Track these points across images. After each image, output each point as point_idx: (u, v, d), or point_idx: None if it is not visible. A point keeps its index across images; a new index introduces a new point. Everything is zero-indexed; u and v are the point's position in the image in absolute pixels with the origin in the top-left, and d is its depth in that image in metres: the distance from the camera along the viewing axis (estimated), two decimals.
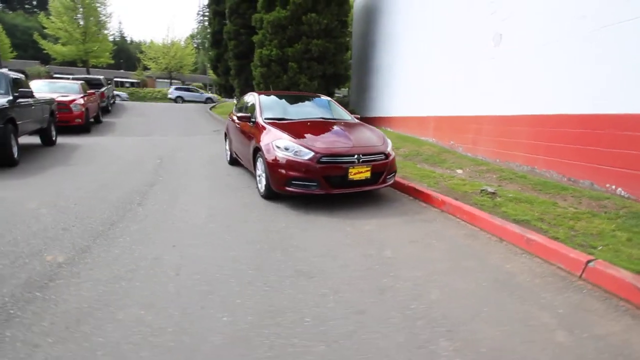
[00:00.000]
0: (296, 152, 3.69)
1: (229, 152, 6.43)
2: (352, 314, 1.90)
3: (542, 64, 4.80)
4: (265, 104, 4.90)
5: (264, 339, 1.67)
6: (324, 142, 3.78)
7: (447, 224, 3.38)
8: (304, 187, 3.67)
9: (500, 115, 5.62)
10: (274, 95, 5.26)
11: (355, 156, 3.70)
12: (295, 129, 4.13)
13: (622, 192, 3.69)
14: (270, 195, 4.06)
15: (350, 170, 3.67)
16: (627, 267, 2.24)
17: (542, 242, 2.59)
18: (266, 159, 3.90)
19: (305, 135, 3.90)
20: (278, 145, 3.83)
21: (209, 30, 20.93)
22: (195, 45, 49.54)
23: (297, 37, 12.38)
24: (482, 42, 6.12)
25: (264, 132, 4.24)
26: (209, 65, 40.57)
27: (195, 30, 72.56)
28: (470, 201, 3.85)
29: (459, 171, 5.67)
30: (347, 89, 17.98)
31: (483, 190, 4.29)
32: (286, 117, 4.68)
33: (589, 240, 2.79)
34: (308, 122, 4.62)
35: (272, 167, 3.83)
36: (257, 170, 4.36)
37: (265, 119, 4.57)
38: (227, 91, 18.82)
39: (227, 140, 6.47)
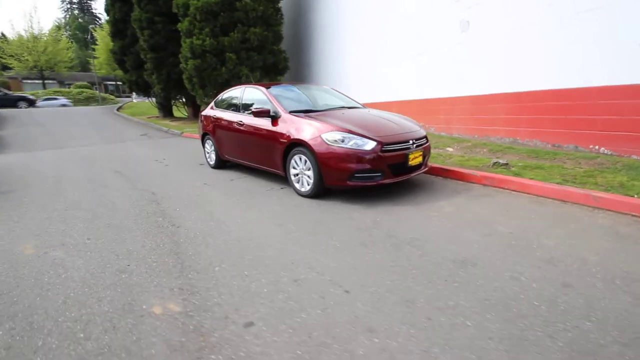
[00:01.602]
0: (356, 142, 3.48)
1: (213, 155, 5.71)
2: (560, 285, 1.93)
3: (515, 47, 5.48)
4: (279, 97, 4.46)
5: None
6: (376, 130, 3.65)
7: (506, 196, 3.62)
8: (368, 178, 3.51)
9: (475, 95, 6.24)
10: (275, 87, 4.83)
11: (411, 142, 3.68)
12: (333, 119, 3.88)
13: (605, 150, 4.54)
14: (319, 192, 3.77)
15: (409, 156, 3.64)
16: None
17: (608, 198, 3.03)
18: (318, 153, 3.58)
19: (350, 125, 3.70)
20: (332, 137, 3.54)
21: (106, 19, 17.79)
22: (68, 39, 41.61)
23: (231, 24, 11.52)
24: (448, 29, 6.65)
25: (299, 125, 3.87)
26: (93, 61, 34.64)
27: (63, 21, 61.05)
28: (492, 172, 4.24)
29: (450, 149, 6.14)
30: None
31: (495, 162, 4.74)
32: (310, 109, 4.35)
33: (620, 190, 3.37)
34: (337, 111, 4.38)
35: (329, 161, 3.54)
36: (293, 169, 3.98)
37: (291, 111, 4.18)
38: (140, 88, 16.43)
39: (210, 142, 5.72)
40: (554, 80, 4.99)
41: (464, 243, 2.55)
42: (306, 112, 4.18)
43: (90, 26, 40.83)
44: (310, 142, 3.63)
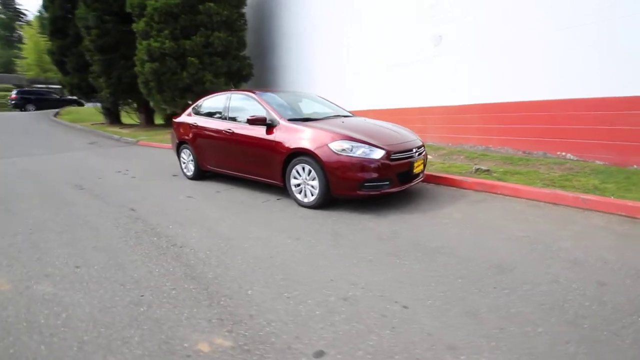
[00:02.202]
0: (364, 151, 3.44)
1: (191, 165, 5.32)
2: (597, 285, 2.03)
3: (486, 61, 5.90)
4: (273, 104, 4.27)
5: None
6: (381, 138, 3.64)
7: (501, 200, 3.79)
8: (377, 187, 3.47)
9: (449, 106, 6.59)
10: (262, 93, 4.63)
11: (414, 150, 3.74)
12: (335, 127, 3.81)
13: (571, 156, 5.02)
14: (324, 203, 3.66)
15: (414, 164, 3.69)
16: None
17: (595, 200, 3.33)
18: (326, 163, 3.47)
19: (355, 133, 3.65)
20: (340, 146, 3.45)
21: (37, 15, 15.93)
22: None
23: (193, 28, 11.01)
24: (422, 42, 6.97)
25: (301, 134, 3.73)
26: (20, 61, 30.80)
27: None
28: (480, 178, 4.48)
29: (429, 157, 6.39)
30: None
31: (478, 169, 5.01)
32: (308, 117, 4.23)
33: (596, 192, 3.73)
34: (335, 119, 4.30)
35: (337, 171, 3.44)
36: (294, 180, 3.82)
37: (289, 119, 4.02)
38: (84, 93, 14.91)
39: (188, 151, 5.32)
40: (523, 92, 5.45)
41: (489, 249, 2.61)
42: (304, 120, 4.06)
43: (17, 23, 36.38)
44: (317, 152, 3.51)
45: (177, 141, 5.55)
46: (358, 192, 3.44)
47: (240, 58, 12.32)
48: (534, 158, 5.32)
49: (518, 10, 5.40)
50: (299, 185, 3.82)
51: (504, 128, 5.78)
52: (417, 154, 3.75)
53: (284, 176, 3.95)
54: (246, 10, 12.64)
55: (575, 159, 4.95)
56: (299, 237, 2.96)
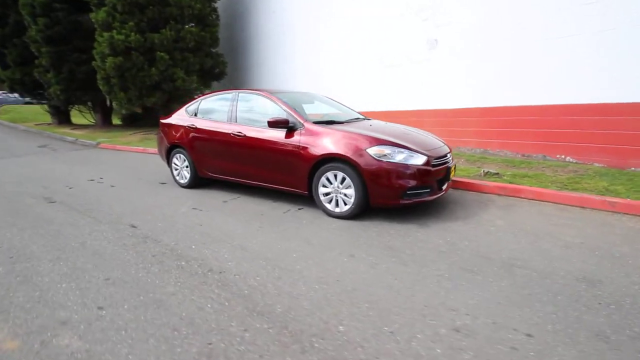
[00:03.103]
0: (406, 157, 3.21)
1: (186, 172, 4.76)
2: None
3: (485, 65, 6.00)
4: (293, 105, 3.90)
5: None
6: (418, 144, 3.44)
7: (529, 205, 3.76)
8: (419, 195, 3.26)
9: (445, 109, 6.63)
10: (282, 92, 4.23)
11: (448, 155, 3.59)
12: (367, 131, 3.54)
13: (571, 159, 5.24)
14: (359, 213, 3.38)
15: (450, 170, 3.54)
16: None
17: (623, 203, 3.43)
18: (365, 170, 3.19)
19: (392, 138, 3.42)
20: (380, 152, 3.19)
21: None
22: None
23: (162, 20, 10.15)
24: (416, 45, 6.95)
25: (332, 138, 3.41)
26: None
27: None
28: (485, 181, 4.49)
29: None
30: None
31: (487, 172, 5.04)
32: (333, 119, 3.91)
33: (610, 194, 3.87)
34: (361, 122, 4.05)
35: (379, 179, 3.18)
36: (323, 188, 3.49)
37: (315, 122, 3.68)
38: (27, 89, 13.11)
39: (183, 156, 4.75)
40: (522, 96, 5.60)
41: (559, 259, 2.51)
42: (328, 123, 3.76)
43: None
44: (355, 158, 3.23)
45: (168, 145, 4.93)
46: (400, 201, 3.21)
47: (214, 55, 11.62)
48: (534, 161, 5.49)
49: (517, 18, 5.55)
50: (328, 194, 3.50)
51: (503, 131, 5.91)
52: (450, 159, 3.62)
53: (310, 184, 3.61)
54: (217, 4, 11.95)
55: (574, 161, 5.18)
56: (353, 254, 2.65)
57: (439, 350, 1.61)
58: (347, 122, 3.95)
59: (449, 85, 6.54)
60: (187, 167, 4.80)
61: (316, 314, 1.90)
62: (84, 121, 14.10)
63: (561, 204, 3.78)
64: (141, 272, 2.43)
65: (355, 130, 3.48)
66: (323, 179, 3.49)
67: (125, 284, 2.26)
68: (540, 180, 4.51)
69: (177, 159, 4.90)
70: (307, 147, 3.53)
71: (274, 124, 3.63)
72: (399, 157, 3.20)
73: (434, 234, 3.03)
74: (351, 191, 3.33)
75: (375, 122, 4.11)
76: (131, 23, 9.64)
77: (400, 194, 3.20)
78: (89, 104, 13.26)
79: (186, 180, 4.85)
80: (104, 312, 1.95)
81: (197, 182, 4.81)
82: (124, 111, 14.58)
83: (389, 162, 3.18)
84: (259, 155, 3.92)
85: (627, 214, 3.41)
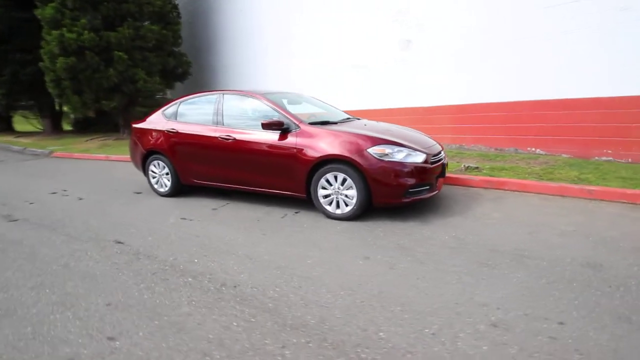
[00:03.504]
0: (407, 155, 3.22)
1: (167, 180, 4.47)
2: None
3: (459, 65, 6.24)
4: (285, 106, 3.78)
5: None
6: (415, 142, 3.46)
7: (516, 196, 3.95)
8: (419, 193, 3.29)
9: (419, 107, 6.82)
10: (271, 93, 4.08)
11: (442, 153, 3.67)
12: (364, 130, 3.51)
13: (540, 151, 5.60)
14: (361, 214, 3.35)
15: (445, 167, 3.62)
16: None
17: (600, 190, 3.72)
18: (367, 170, 3.16)
19: (390, 137, 3.42)
20: (380, 151, 3.18)
21: None
22: None
23: (118, 18, 9.49)
24: (390, 45, 7.08)
25: (330, 139, 3.34)
26: None
27: None
28: (470, 176, 4.70)
29: None
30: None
31: (468, 167, 5.25)
32: (327, 120, 3.84)
33: (581, 183, 4.19)
34: (354, 122, 4.03)
35: (382, 178, 3.16)
36: (322, 190, 3.41)
37: (310, 123, 3.59)
38: None
39: (162, 163, 4.44)
40: (494, 94, 5.90)
41: (561, 247, 2.64)
42: (323, 124, 3.69)
43: None
44: (356, 158, 3.19)
45: (144, 151, 4.58)
46: (403, 199, 3.23)
47: (177, 54, 11.07)
48: (507, 154, 5.81)
49: (489, 19, 5.83)
50: (327, 196, 3.44)
51: (477, 127, 6.20)
52: (444, 156, 3.70)
53: (308, 187, 3.52)
54: (178, 1, 11.37)
55: (544, 153, 5.55)
56: (368, 256, 2.62)
57: (485, 348, 1.62)
58: (341, 122, 3.90)
59: (423, 84, 6.73)
60: (167, 174, 4.49)
61: (352, 322, 1.84)
62: (29, 128, 12.82)
63: (543, 193, 4.02)
64: (145, 293, 2.21)
65: (353, 131, 3.44)
66: (322, 181, 3.41)
67: (131, 308, 2.04)
68: (517, 172, 4.78)
69: (155, 166, 4.56)
70: (304, 149, 3.43)
71: (268, 126, 3.49)
72: (400, 155, 3.22)
73: (438, 230, 3.08)
74: (353, 192, 3.29)
75: (368, 122, 4.11)
76: (83, 20, 8.88)
77: (402, 192, 3.21)
78: (36, 109, 12.05)
79: (166, 189, 4.54)
80: (117, 342, 1.74)
81: (179, 190, 4.53)
82: (72, 116, 13.43)
83: (391, 161, 3.18)
84: (251, 159, 3.75)
85: (604, 200, 3.70)
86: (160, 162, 4.49)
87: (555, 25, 5.21)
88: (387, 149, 3.21)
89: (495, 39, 5.78)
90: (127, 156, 8.16)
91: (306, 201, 3.74)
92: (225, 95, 4.09)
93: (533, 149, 5.67)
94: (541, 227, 3.05)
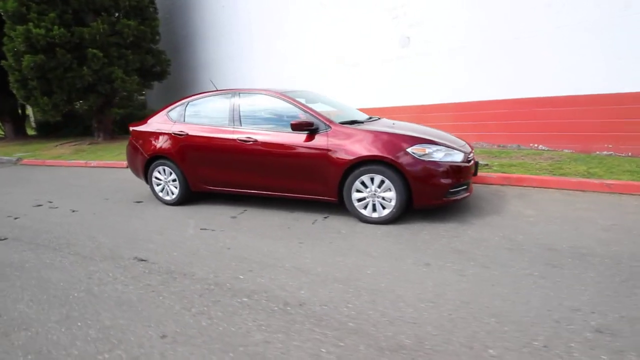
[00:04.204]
0: (446, 155, 3.12)
1: (175, 187, 4.12)
2: None
3: (459, 63, 6.27)
4: (311, 105, 3.56)
5: None
6: (448, 141, 3.38)
7: (538, 192, 3.98)
8: (458, 193, 3.20)
9: (420, 105, 6.82)
10: (292, 91, 3.84)
11: (472, 152, 3.61)
12: (399, 130, 3.37)
13: (543, 147, 5.75)
14: (398, 216, 3.20)
15: (477, 166, 3.56)
16: None
17: (618, 184, 3.82)
18: (409, 171, 3.02)
19: (427, 136, 3.31)
20: (420, 151, 3.05)
21: None
22: None
23: (92, 12, 8.80)
24: (388, 43, 7.01)
25: (365, 139, 3.17)
26: None
27: None
28: (488, 173, 4.73)
29: None
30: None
31: (477, 163, 5.29)
32: (354, 119, 3.66)
33: (591, 177, 4.32)
34: (382, 121, 3.90)
35: (424, 178, 3.03)
36: (357, 193, 3.23)
37: (341, 123, 3.40)
38: None
39: (168, 169, 4.09)
40: (495, 91, 5.99)
41: (612, 243, 2.63)
42: (352, 124, 3.51)
43: None
44: (397, 159, 3.04)
45: (147, 156, 4.18)
46: (445, 199, 3.13)
47: (155, 52, 10.44)
48: (511, 151, 5.91)
49: (489, 17, 5.90)
50: (362, 199, 3.27)
51: (479, 124, 6.27)
52: (473, 155, 3.65)
53: (341, 190, 3.33)
54: None
55: (547, 149, 5.70)
56: (428, 263, 2.48)
57: (604, 357, 1.53)
58: (367, 121, 3.75)
59: (424, 82, 6.73)
60: (174, 180, 4.13)
61: (452, 340, 1.68)
62: None
63: (564, 189, 4.09)
64: (202, 319, 1.94)
65: (389, 130, 3.30)
66: (357, 184, 3.24)
67: (194, 340, 1.76)
68: (527, 168, 4.85)
69: (159, 172, 4.18)
70: (337, 150, 3.24)
71: (298, 127, 3.26)
72: (439, 155, 3.11)
73: (483, 230, 3.00)
74: (391, 194, 3.15)
75: (395, 122, 3.98)
76: (52, 14, 8.12)
77: (444, 193, 3.11)
78: None
79: (174, 197, 4.17)
80: None
81: (188, 197, 4.18)
82: (32, 120, 12.31)
83: (432, 161, 3.07)
84: (277, 163, 3.51)
85: (623, 193, 3.80)
86: (166, 168, 4.12)
87: (554, 22, 5.34)
88: (427, 149, 3.09)
89: (497, 36, 5.86)
90: (110, 162, 7.57)
91: (334, 205, 3.56)
92: (241, 95, 3.80)
93: (536, 145, 5.81)
94: (582, 223, 3.06)
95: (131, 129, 4.45)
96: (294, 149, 3.41)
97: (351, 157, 3.18)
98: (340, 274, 2.38)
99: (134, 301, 2.16)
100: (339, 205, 3.47)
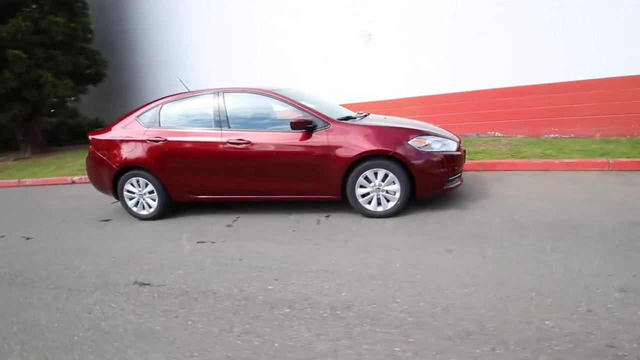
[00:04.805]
0: (443, 145, 3.23)
1: (153, 200, 3.75)
2: None
3: (420, 57, 6.60)
4: (304, 102, 3.44)
5: None
6: (438, 131, 3.53)
7: (511, 175, 4.35)
8: (453, 181, 3.35)
9: (387, 100, 7.04)
10: (282, 89, 3.68)
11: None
12: (394, 123, 3.43)
13: (499, 134, 6.28)
14: (403, 208, 3.26)
15: (465, 154, 3.76)
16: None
17: (575, 162, 4.33)
18: (412, 163, 3.08)
19: (421, 128, 3.41)
20: (419, 142, 3.13)
21: None
22: None
23: (8, 7, 7.61)
24: (351, 40, 7.11)
25: (365, 134, 3.18)
26: None
27: None
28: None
29: None
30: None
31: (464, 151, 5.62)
32: (349, 115, 3.63)
33: (546, 157, 4.85)
34: (372, 116, 3.90)
35: (427, 169, 3.12)
36: (361, 189, 3.22)
37: (338, 119, 3.34)
38: None
39: (145, 180, 3.69)
40: (454, 84, 6.42)
41: (590, 213, 2.94)
42: (347, 119, 3.49)
43: None
44: (400, 151, 3.08)
45: (116, 168, 3.71)
46: (445, 188, 3.26)
47: (89, 52, 9.35)
48: (472, 139, 6.38)
49: (450, 13, 6.29)
50: (366, 194, 3.27)
51: (441, 117, 6.64)
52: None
53: (344, 187, 3.30)
54: None
55: (502, 135, 6.26)
56: (450, 249, 2.53)
57: (639, 312, 1.72)
58: (359, 117, 3.75)
59: (387, 77, 6.96)
60: (151, 192, 3.73)
61: (511, 319, 1.74)
62: None
63: (532, 170, 4.52)
64: (251, 338, 1.76)
65: (385, 124, 3.34)
66: (361, 179, 3.23)
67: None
68: (490, 154, 5.29)
69: (132, 184, 3.75)
70: (338, 147, 3.19)
71: (297, 125, 3.15)
72: (437, 145, 3.23)
73: (482, 213, 3.18)
74: (394, 187, 3.19)
75: (387, 116, 4.05)
76: None
77: (444, 181, 3.24)
78: None
79: (152, 210, 3.78)
80: None
81: (168, 210, 3.82)
82: None
83: (431, 152, 3.17)
84: (274, 164, 3.35)
85: (580, 169, 4.32)
86: (140, 179, 3.71)
87: (511, 19, 5.87)
88: (427, 140, 3.19)
89: (459, 32, 6.27)
90: (50, 178, 6.62)
91: (330, 203, 3.54)
92: (225, 95, 3.55)
93: (493, 133, 6.35)
94: (561, 199, 3.40)
95: (91, 137, 3.92)
96: (293, 148, 3.28)
97: (355, 153, 3.16)
98: (372, 271, 2.35)
99: (159, 331, 1.90)
100: (342, 202, 3.43)
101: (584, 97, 5.50)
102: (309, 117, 3.23)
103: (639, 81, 5.14)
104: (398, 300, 2.00)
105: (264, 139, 3.34)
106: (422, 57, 6.59)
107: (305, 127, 3.20)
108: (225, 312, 2.03)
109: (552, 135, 5.86)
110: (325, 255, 2.65)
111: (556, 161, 4.46)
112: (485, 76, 6.14)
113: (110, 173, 3.76)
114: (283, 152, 3.32)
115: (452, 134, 3.73)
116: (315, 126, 3.25)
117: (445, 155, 3.22)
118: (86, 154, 4.10)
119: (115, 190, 3.84)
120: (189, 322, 1.96)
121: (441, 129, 3.80)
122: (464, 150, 3.72)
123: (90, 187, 4.31)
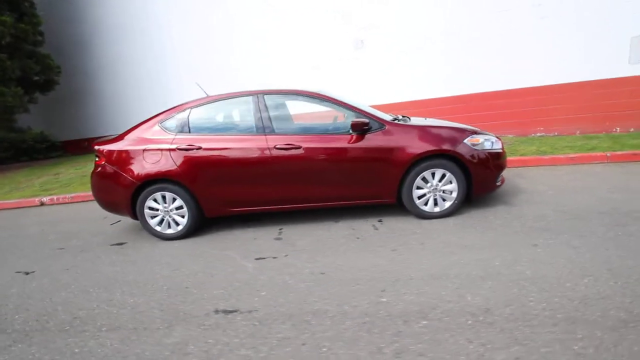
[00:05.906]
0: (492, 143, 3.28)
1: (181, 216, 3.35)
2: None
3: (416, 64, 6.80)
4: (353, 103, 3.30)
5: None
6: (476, 129, 3.61)
7: (527, 171, 4.57)
8: (500, 178, 3.44)
9: (376, 105, 7.12)
10: (320, 92, 3.46)
11: None
12: (442, 122, 3.46)
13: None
14: (458, 208, 3.25)
15: None
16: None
17: (577, 156, 4.71)
18: (470, 162, 3.09)
19: (467, 126, 3.46)
20: (473, 141, 3.15)
21: None
22: None
23: None
24: (343, 46, 7.11)
25: (422, 134, 3.13)
26: None
27: None
28: None
29: None
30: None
31: None
32: (396, 116, 3.55)
33: (541, 154, 5.25)
34: (413, 117, 3.87)
35: (483, 168, 3.16)
36: (418, 190, 3.15)
37: (393, 120, 3.25)
38: None
39: (172, 194, 3.28)
40: (447, 89, 6.71)
41: (623, 201, 3.20)
42: (394, 121, 3.42)
43: None
44: (459, 151, 3.08)
45: (137, 182, 3.22)
46: (497, 185, 3.33)
47: (40, 56, 8.24)
48: None
49: (443, 22, 6.57)
50: (422, 195, 3.21)
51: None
52: None
53: (400, 189, 3.20)
54: None
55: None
56: (535, 244, 2.54)
57: None
58: (403, 119, 3.70)
59: (378, 82, 7.07)
60: (179, 208, 3.30)
61: None
62: None
63: (541, 165, 4.83)
64: (407, 356, 1.58)
65: (438, 124, 3.34)
66: (418, 180, 3.17)
67: None
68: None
69: (156, 201, 3.29)
70: (396, 149, 3.10)
71: (357, 127, 3.00)
72: (488, 144, 3.28)
73: (531, 207, 3.28)
74: (452, 186, 3.18)
75: (424, 118, 4.06)
76: None
77: (495, 179, 3.31)
78: None
79: (180, 228, 3.34)
80: None
81: (198, 227, 3.42)
82: None
83: (484, 150, 3.22)
84: (327, 170, 3.15)
85: (584, 163, 4.71)
86: (167, 194, 3.26)
87: (502, 26, 6.30)
88: (480, 138, 3.24)
89: (453, 40, 6.58)
90: (14, 201, 5.60)
91: (374, 207, 3.46)
92: (266, 97, 3.27)
93: None
94: (589, 189, 3.66)
95: (100, 148, 3.37)
96: (348, 152, 3.12)
97: (416, 153, 3.09)
98: (477, 272, 2.27)
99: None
100: (388, 206, 3.34)
101: (565, 98, 6.07)
102: (364, 119, 3.10)
103: (611, 83, 5.81)
104: (531, 298, 1.94)
105: (314, 142, 3.14)
106: (414, 63, 6.81)
107: (363, 128, 3.06)
108: (357, 332, 1.81)
109: (538, 134, 6.37)
110: (413, 260, 2.53)
111: (561, 156, 4.83)
112: (477, 80, 6.52)
113: (129, 189, 3.25)
114: (336, 156, 3.14)
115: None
116: (371, 127, 3.14)
117: (496, 153, 3.30)
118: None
119: (134, 208, 3.33)
120: (323, 349, 1.71)
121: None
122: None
123: (68, 210, 3.75)
